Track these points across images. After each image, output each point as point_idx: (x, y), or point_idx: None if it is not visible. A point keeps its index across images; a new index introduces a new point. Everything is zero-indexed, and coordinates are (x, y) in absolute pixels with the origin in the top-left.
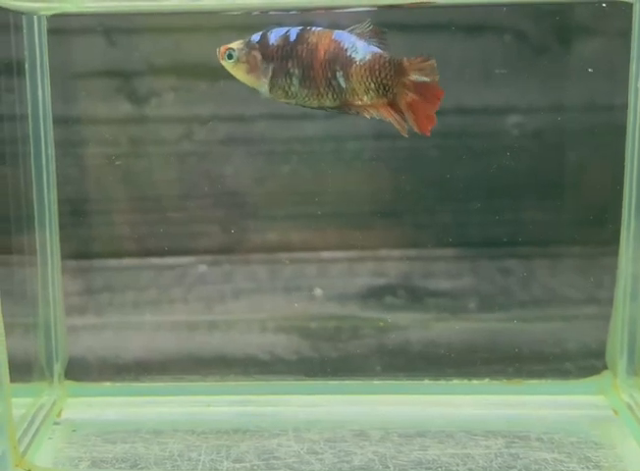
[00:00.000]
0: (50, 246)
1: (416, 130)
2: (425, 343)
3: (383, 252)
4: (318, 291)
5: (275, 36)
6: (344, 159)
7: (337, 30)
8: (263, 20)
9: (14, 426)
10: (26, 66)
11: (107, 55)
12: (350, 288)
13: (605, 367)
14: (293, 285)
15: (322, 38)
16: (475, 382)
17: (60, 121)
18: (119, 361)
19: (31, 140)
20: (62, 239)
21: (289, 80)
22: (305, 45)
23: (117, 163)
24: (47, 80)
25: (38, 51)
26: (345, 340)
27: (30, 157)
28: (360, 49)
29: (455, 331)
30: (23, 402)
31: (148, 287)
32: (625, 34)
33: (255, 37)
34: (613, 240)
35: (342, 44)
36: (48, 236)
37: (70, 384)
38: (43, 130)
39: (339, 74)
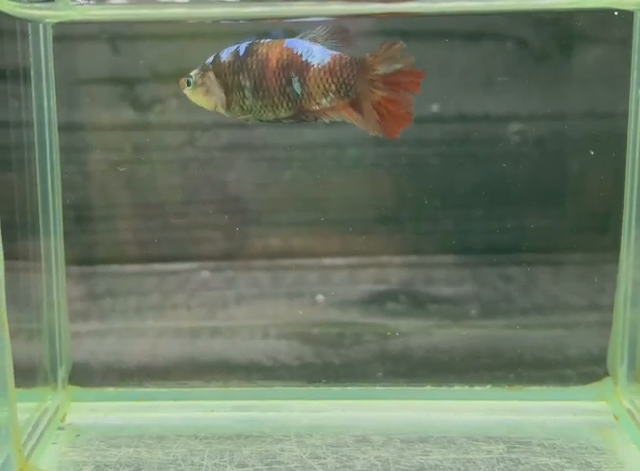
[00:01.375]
0: (55, 252)
1: (381, 132)
2: (427, 349)
3: (385, 259)
4: (320, 298)
5: (226, 54)
6: (345, 165)
7: (288, 39)
8: (264, 27)
9: (18, 430)
10: (32, 73)
11: (111, 62)
12: (352, 295)
13: (606, 373)
14: (296, 291)
15: (272, 48)
16: (477, 388)
17: (64, 127)
18: (122, 366)
19: (37, 147)
20: (65, 245)
21: (242, 94)
22: (255, 57)
23: (121, 169)
24: (52, 87)
25: (44, 58)
26: (347, 346)
27: (36, 163)
28: (317, 53)
29: (457, 337)
30: (27, 407)
31: (151, 292)
32: (626, 42)
33: (209, 60)
34: (614, 247)
35: (295, 51)
36: (53, 242)
37: (73, 389)
38: (48, 137)
39: (294, 79)
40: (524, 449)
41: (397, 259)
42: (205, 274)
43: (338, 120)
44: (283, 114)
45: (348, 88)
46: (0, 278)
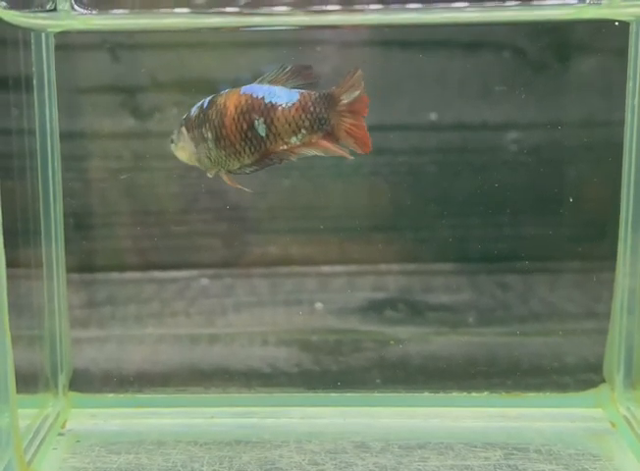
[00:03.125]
0: (55, 259)
1: (358, 151)
2: (425, 357)
3: (383, 266)
4: (319, 305)
5: (194, 109)
6: (344, 174)
7: (244, 86)
8: (265, 36)
9: (20, 436)
10: (34, 81)
11: (112, 71)
12: (351, 302)
13: (602, 380)
14: (294, 298)
15: (230, 97)
16: (474, 394)
17: (66, 135)
18: (122, 373)
19: (38, 154)
20: (66, 253)
21: (207, 146)
22: (215, 108)
23: (122, 177)
24: (54, 96)
25: (46, 67)
26: (345, 354)
27: (37, 171)
28: (282, 93)
29: (455, 344)
30: (28, 413)
31: (151, 300)
32: (622, 52)
33: (183, 116)
34: (611, 255)
35: (254, 95)
36: (54, 250)
37: (74, 395)
38: (50, 145)
39: (257, 122)
40: (521, 456)
41: (395, 267)
42: (204, 281)
43: (305, 156)
44: (247, 160)
45: (322, 122)
46: (2, 285)
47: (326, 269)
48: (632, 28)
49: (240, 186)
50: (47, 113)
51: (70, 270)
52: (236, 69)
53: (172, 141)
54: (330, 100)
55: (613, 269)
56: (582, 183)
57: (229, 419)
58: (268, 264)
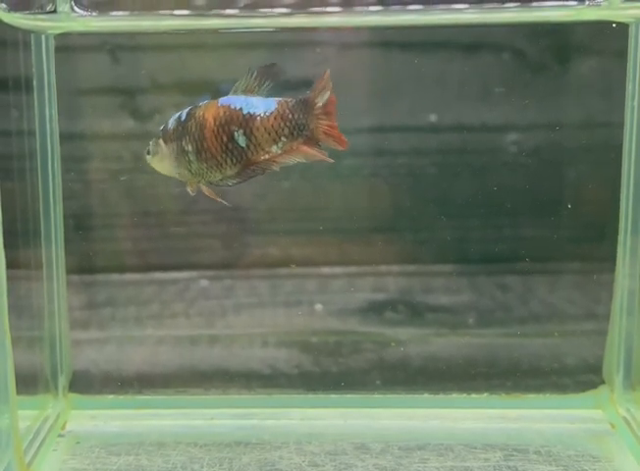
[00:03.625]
0: (55, 261)
1: (339, 148)
2: (425, 358)
3: (383, 268)
4: (318, 307)
5: (172, 121)
6: (344, 175)
7: (221, 98)
8: (265, 37)
9: (19, 438)
10: (34, 83)
11: (112, 72)
12: (351, 304)
13: (602, 382)
14: (294, 299)
15: (208, 108)
16: (474, 396)
17: (65, 137)
18: (122, 374)
19: (38, 156)
20: (66, 254)
21: (187, 158)
22: (194, 120)
23: (122, 178)
24: (54, 97)
25: (46, 69)
26: (345, 355)
27: (37, 172)
28: (259, 103)
29: (455, 346)
30: (28, 415)
31: (151, 301)
32: (621, 54)
33: (160, 127)
34: (610, 257)
35: (232, 106)
36: (54, 251)
37: (74, 396)
38: (50, 146)
39: (237, 134)
40: (521, 457)
41: (395, 268)
42: (204, 283)
43: (287, 165)
44: (229, 171)
45: (302, 128)
46: (2, 286)
47: (326, 270)
48: (632, 30)
49: (220, 200)
50: (47, 114)
51: (70, 271)
52: (235, 69)
53: (148, 153)
54: (307, 105)
55: (612, 270)
56: (582, 184)
57: (229, 420)
58: (268, 265)
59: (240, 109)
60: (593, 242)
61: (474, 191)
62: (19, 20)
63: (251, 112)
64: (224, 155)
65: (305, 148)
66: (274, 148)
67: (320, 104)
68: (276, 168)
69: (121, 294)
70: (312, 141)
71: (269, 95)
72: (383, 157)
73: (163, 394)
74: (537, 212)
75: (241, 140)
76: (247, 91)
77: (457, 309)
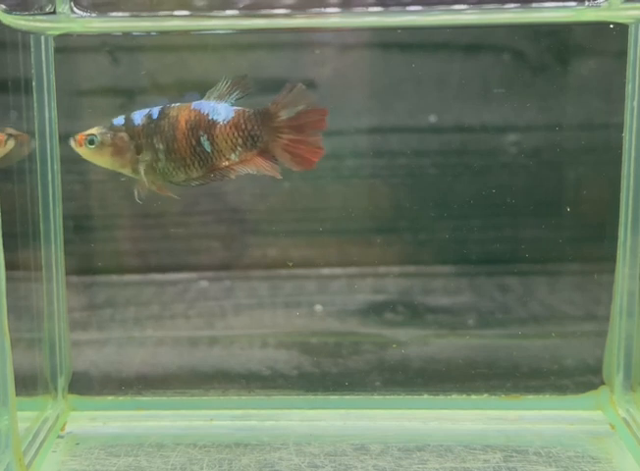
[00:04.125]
0: (55, 262)
1: (296, 168)
2: (424, 359)
3: (382, 269)
4: (318, 308)
5: (139, 117)
6: (344, 176)
7: (195, 101)
8: (263, 38)
9: (19, 439)
10: (34, 84)
11: (111, 73)
12: (350, 305)
13: (602, 383)
14: (294, 300)
15: (182, 110)
16: (474, 397)
17: (65, 138)
18: (121, 376)
19: (38, 157)
20: (65, 255)
21: (155, 156)
22: (167, 120)
23: (122, 179)
24: (53, 98)
25: (45, 70)
26: (345, 356)
27: (37, 173)
28: (222, 110)
29: (455, 347)
30: (27, 416)
31: (150, 302)
32: (621, 55)
33: (118, 121)
34: (610, 258)
35: (202, 111)
36: (53, 252)
37: (73, 398)
38: (49, 147)
39: (203, 138)
40: (521, 458)
41: (394, 269)
42: (204, 284)
43: (244, 174)
44: (194, 174)
45: (255, 139)
46: (1, 287)
47: (326, 271)
48: (631, 31)
49: (170, 194)
50: (47, 115)
51: (69, 272)
52: (236, 70)
53: (92, 142)
54: (264, 117)
55: (612, 271)
56: (582, 185)
57: (228, 421)
58: (267, 266)
59: (207, 114)
60: (593, 243)
61: (474, 192)
62: (18, 21)
63: (214, 119)
64: (192, 158)
65: (258, 160)
66: (232, 156)
67: (283, 117)
68: (232, 176)
69: (120, 295)
70: (269, 154)
71: (237, 104)
72: (383, 158)
73: (162, 396)
74: (537, 213)
75: (207, 145)
76: (219, 98)
77: (457, 310)
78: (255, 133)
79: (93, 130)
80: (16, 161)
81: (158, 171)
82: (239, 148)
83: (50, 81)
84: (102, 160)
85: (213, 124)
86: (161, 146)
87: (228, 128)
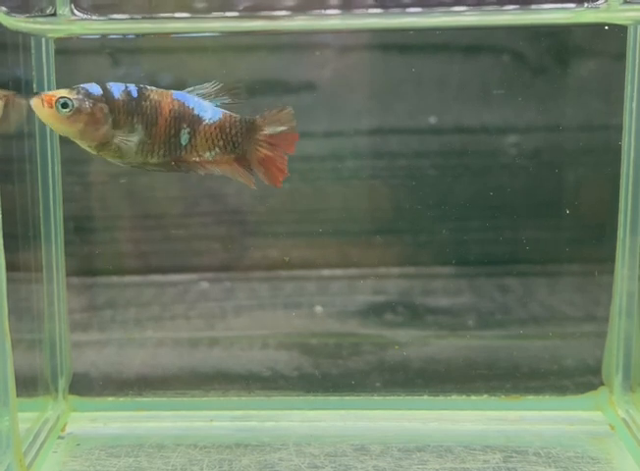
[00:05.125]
0: (55, 263)
1: (267, 182)
2: (424, 360)
3: (382, 270)
4: (318, 309)
5: (117, 90)
6: (344, 177)
7: (175, 91)
8: (264, 40)
9: (19, 440)
10: (34, 85)
11: (112, 75)
12: (350, 306)
13: (601, 383)
14: (294, 302)
15: (164, 97)
16: (474, 397)
17: (65, 139)
18: (122, 376)
19: (38, 158)
20: (66, 256)
21: (130, 135)
22: (149, 102)
23: (122, 181)
24: None
25: (46, 71)
26: (345, 357)
27: (37, 175)
28: (209, 108)
29: (454, 347)
30: (28, 417)
31: (151, 303)
32: (620, 56)
33: (94, 90)
34: (610, 258)
35: (186, 103)
36: (53, 253)
37: (74, 398)
38: (50, 149)
39: (184, 130)
40: (521, 459)
41: (394, 270)
42: (204, 285)
43: (211, 172)
44: (155, 159)
45: (236, 145)
46: (2, 288)
47: (326, 272)
48: (630, 32)
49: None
50: None
51: (70, 273)
52: (235, 71)
53: (65, 105)
54: (250, 127)
55: (612, 272)
56: (581, 186)
57: (228, 422)
58: (268, 267)
59: (192, 108)
60: (592, 244)
61: (474, 193)
62: (18, 23)
63: (200, 115)
64: (164, 145)
65: (235, 164)
66: (207, 155)
67: (266, 132)
68: (201, 172)
69: (121, 297)
70: (245, 162)
71: (224, 108)
72: (383, 159)
73: (163, 396)
74: (537, 214)
75: (184, 138)
76: (203, 96)
77: (457, 311)
78: (237, 140)
79: (65, 93)
80: (15, 125)
81: (124, 150)
82: (216, 149)
83: (51, 83)
84: (71, 128)
85: (198, 119)
86: (140, 127)
87: (212, 127)
